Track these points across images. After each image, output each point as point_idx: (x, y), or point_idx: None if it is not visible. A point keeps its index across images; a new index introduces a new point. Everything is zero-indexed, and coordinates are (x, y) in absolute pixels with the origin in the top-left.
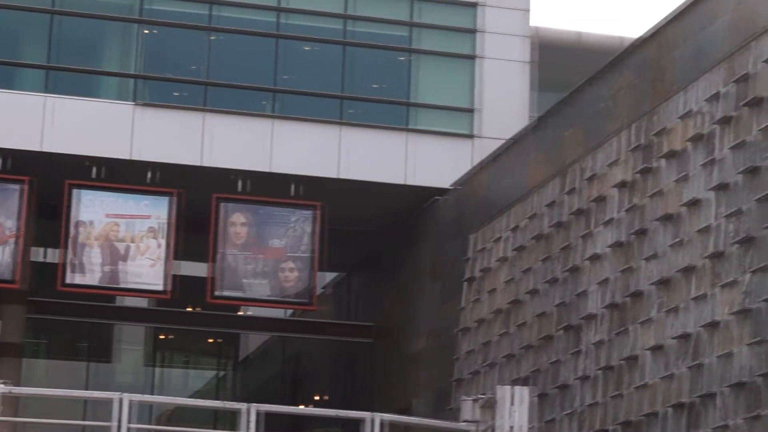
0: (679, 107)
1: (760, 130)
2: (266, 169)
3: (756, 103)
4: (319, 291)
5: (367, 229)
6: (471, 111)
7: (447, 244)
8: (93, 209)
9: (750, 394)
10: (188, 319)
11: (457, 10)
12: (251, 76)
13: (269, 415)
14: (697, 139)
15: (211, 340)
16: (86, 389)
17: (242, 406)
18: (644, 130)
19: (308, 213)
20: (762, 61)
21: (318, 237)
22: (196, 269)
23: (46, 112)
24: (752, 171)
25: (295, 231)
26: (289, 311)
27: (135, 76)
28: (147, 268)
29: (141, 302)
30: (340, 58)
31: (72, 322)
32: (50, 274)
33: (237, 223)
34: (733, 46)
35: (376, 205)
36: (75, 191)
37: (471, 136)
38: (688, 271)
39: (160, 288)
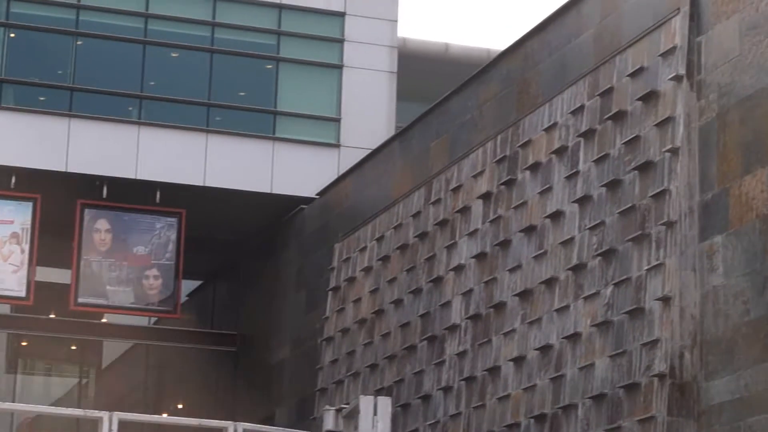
0: (544, 119)
1: (623, 143)
2: (131, 176)
3: (619, 116)
4: (183, 299)
5: (233, 237)
6: (337, 120)
7: (312, 253)
8: None
9: (611, 406)
10: (50, 326)
11: (323, 19)
12: (117, 82)
13: (132, 424)
14: (560, 151)
15: (74, 347)
16: None
17: (103, 414)
18: (509, 141)
19: (173, 220)
20: (625, 75)
21: (182, 245)
22: (60, 276)
23: None
24: (614, 184)
25: (159, 238)
26: (153, 319)
27: None
28: (9, 274)
29: (2, 308)
30: (207, 66)
31: None
32: None
33: (101, 229)
34: (597, 60)
35: (241, 214)
36: None
37: (336, 146)
38: (551, 282)
39: (22, 294)
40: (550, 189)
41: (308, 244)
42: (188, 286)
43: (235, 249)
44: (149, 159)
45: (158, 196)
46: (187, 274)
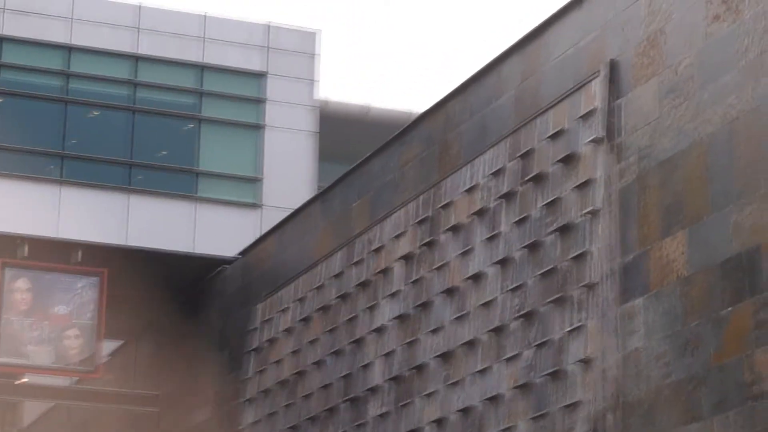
0: (465, 181)
1: (543, 205)
2: (53, 235)
3: (539, 178)
4: (104, 359)
5: (154, 296)
6: (258, 180)
7: (233, 314)
8: None
9: None
10: None
11: (245, 79)
12: (39, 140)
13: None
14: (481, 212)
15: None
16: None
17: None
18: (430, 202)
19: (94, 280)
20: (546, 137)
21: (104, 304)
22: None
23: None
24: (535, 246)
25: (80, 298)
26: (75, 379)
27: None
28: None
29: None
30: (129, 124)
31: None
32: None
33: (21, 288)
34: (518, 122)
35: (163, 273)
36: None
37: (258, 206)
38: (472, 344)
39: None
40: (471, 250)
41: (230, 305)
42: (110, 345)
43: (157, 309)
44: (70, 218)
45: (80, 255)
46: (108, 333)
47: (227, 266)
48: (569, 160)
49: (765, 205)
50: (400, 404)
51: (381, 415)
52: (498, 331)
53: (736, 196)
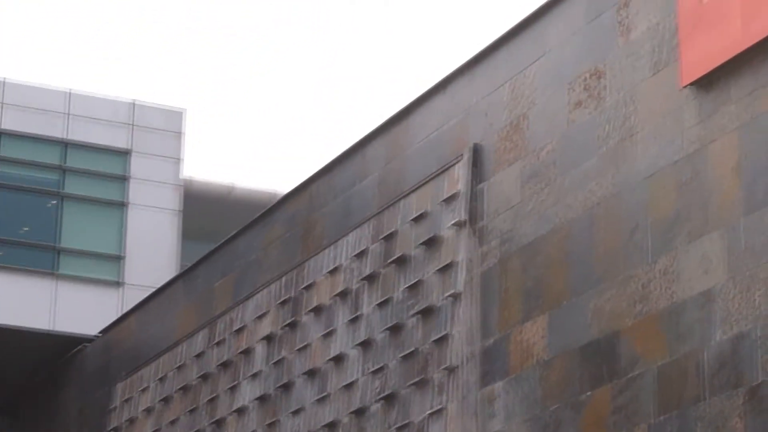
0: (328, 262)
1: (405, 287)
2: None
3: (402, 261)
4: None
5: (12, 375)
6: (121, 258)
7: (93, 393)
8: None
9: None
10: None
11: (108, 156)
12: None
13: None
14: (344, 294)
15: None
16: None
17: None
18: (293, 283)
19: None
20: (409, 219)
21: None
22: None
23: None
24: (397, 328)
25: None
26: None
27: None
28: None
29: None
30: None
31: None
32: None
33: None
34: (382, 204)
35: (22, 351)
36: None
37: (120, 284)
38: (333, 426)
39: None
40: (333, 332)
41: (90, 384)
42: None
43: (15, 387)
44: None
45: None
46: None
47: (87, 345)
48: (432, 243)
49: (624, 291)
50: None
51: None
52: (359, 413)
53: (595, 282)
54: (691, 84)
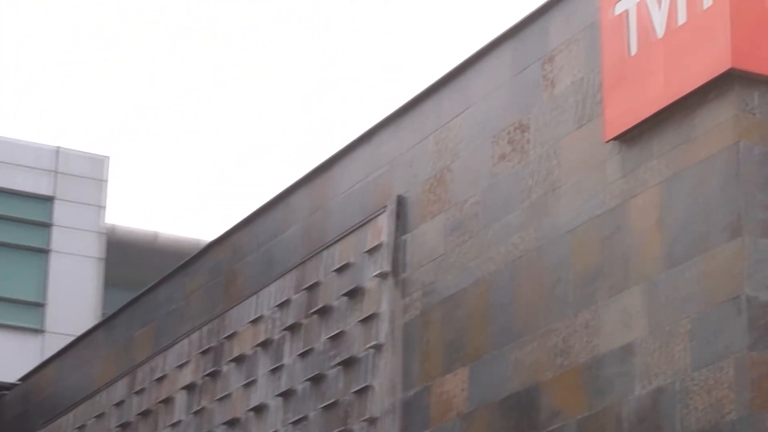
0: (251, 312)
1: (327, 338)
2: None
3: (324, 311)
4: None
5: None
6: (42, 305)
7: None
8: None
9: None
10: None
11: (31, 202)
12: None
13: None
14: (266, 344)
15: None
16: None
17: None
18: (215, 332)
19: None
20: (332, 270)
21: None
22: None
23: None
24: (318, 379)
25: None
26: None
27: None
28: None
29: None
30: None
31: None
32: None
33: None
34: (305, 254)
35: None
36: None
37: (41, 331)
38: None
39: None
40: (254, 382)
41: None
42: None
43: None
44: None
45: None
46: None
47: (6, 392)
48: (354, 294)
49: (545, 344)
50: None
51: None
52: None
53: (516, 335)
54: (614, 138)
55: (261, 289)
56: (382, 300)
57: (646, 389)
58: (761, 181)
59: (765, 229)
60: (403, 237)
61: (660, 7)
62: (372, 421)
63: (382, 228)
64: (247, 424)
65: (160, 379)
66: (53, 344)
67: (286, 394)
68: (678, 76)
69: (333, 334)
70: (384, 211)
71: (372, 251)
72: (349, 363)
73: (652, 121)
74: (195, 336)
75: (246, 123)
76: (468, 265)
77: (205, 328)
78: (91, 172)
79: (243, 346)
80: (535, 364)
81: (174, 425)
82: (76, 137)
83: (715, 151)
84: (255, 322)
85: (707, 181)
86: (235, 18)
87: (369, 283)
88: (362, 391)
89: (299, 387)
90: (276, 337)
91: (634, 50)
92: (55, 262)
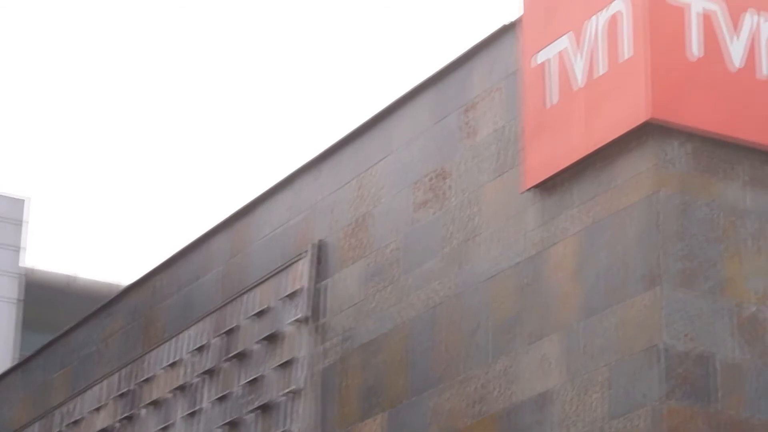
0: (168, 356)
1: (245, 383)
2: None
3: (242, 356)
4: None
5: None
6: None
7: None
8: None
9: None
10: None
11: None
12: None
13: None
14: (183, 388)
15: None
16: None
17: None
18: (132, 376)
19: None
20: (251, 314)
21: None
22: None
23: None
24: (235, 423)
25: None
26: None
27: None
28: None
29: None
30: None
31: None
32: None
33: None
34: (224, 298)
35: None
36: None
37: None
38: None
39: None
40: (171, 426)
41: None
42: None
43: None
44: None
45: None
46: None
47: None
48: (273, 338)
49: (463, 391)
50: None
51: None
52: None
53: (435, 381)
54: (534, 187)
55: (179, 333)
56: (301, 345)
57: None
58: (679, 231)
59: (682, 279)
60: (323, 282)
61: (580, 57)
62: None
63: (302, 273)
64: None
65: (77, 423)
66: None
67: None
68: (597, 126)
69: (250, 378)
70: (304, 256)
71: (291, 296)
72: (266, 408)
73: (571, 171)
74: (112, 379)
75: (165, 166)
76: (387, 311)
77: (122, 372)
78: (9, 214)
79: (160, 390)
80: (454, 411)
81: None
82: None
83: (634, 201)
84: (172, 366)
85: (626, 230)
86: (143, 71)
87: (287, 328)
88: None
89: None
90: (193, 381)
91: (554, 100)
92: None
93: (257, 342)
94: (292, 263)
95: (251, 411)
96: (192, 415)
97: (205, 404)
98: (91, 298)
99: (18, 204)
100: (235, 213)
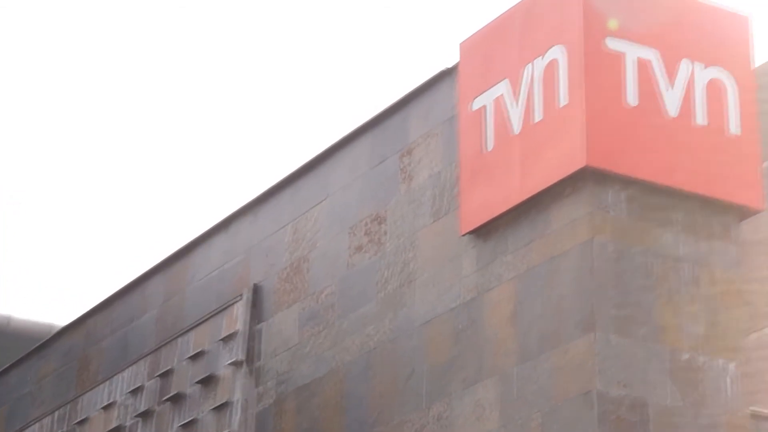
0: (103, 398)
1: (180, 426)
2: None
3: (177, 398)
4: None
5: None
6: None
7: None
8: None
9: None
10: None
11: None
12: None
13: None
14: (117, 430)
15: None
16: None
17: None
18: (66, 418)
19: None
20: (186, 357)
21: None
22: None
23: None
24: None
25: None
26: None
27: None
28: None
29: None
30: None
31: None
32: None
33: None
34: (159, 341)
35: None
36: None
37: None
38: None
39: None
40: None
41: None
42: None
43: None
44: None
45: None
46: None
47: None
48: (208, 381)
49: None
50: None
51: None
52: None
53: (370, 425)
54: (470, 233)
55: (114, 375)
56: (236, 388)
57: None
58: (614, 277)
59: (617, 325)
60: (259, 325)
61: (517, 103)
62: None
63: (238, 316)
64: None
65: None
66: None
67: None
68: (534, 172)
69: (186, 421)
70: (240, 300)
71: (227, 339)
72: None
73: (507, 216)
74: (46, 421)
75: (100, 207)
76: (323, 354)
77: (56, 413)
78: None
79: (94, 431)
80: None
81: None
82: None
83: (569, 247)
84: (107, 408)
85: (561, 276)
86: (91, 91)
87: (223, 371)
88: None
89: None
90: (128, 423)
91: (491, 145)
92: None
93: (192, 385)
94: (228, 306)
95: None
96: None
97: None
98: (25, 339)
99: None
100: (171, 255)
